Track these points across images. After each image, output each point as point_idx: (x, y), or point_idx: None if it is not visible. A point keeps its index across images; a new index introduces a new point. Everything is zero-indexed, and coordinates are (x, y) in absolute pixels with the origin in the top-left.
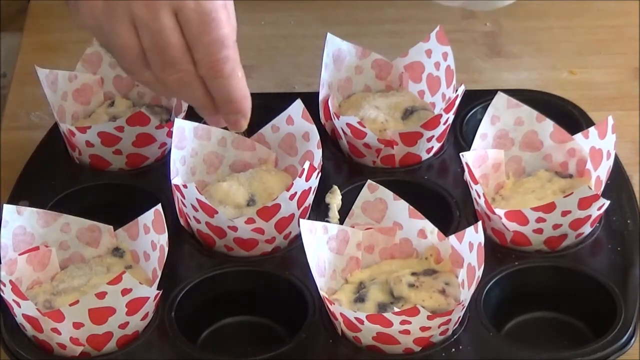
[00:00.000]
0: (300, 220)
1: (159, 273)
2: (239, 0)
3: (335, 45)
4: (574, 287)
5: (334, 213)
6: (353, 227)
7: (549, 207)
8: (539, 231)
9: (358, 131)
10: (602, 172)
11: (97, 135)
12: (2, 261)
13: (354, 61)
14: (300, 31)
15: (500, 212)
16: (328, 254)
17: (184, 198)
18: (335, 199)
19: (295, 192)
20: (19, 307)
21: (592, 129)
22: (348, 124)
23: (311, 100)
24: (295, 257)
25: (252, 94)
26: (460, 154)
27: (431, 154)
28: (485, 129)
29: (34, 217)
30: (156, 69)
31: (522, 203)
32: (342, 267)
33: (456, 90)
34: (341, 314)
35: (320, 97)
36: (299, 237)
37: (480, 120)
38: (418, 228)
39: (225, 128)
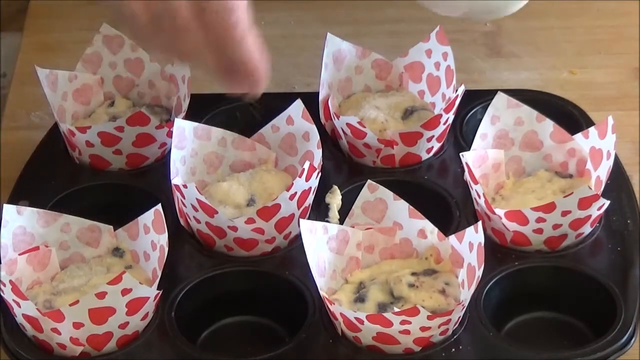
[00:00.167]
0: (300, 220)
1: (159, 273)
2: None
3: (335, 45)
4: (574, 287)
5: (334, 213)
6: (353, 227)
7: (549, 207)
8: (539, 231)
9: (358, 131)
10: (602, 172)
11: (97, 135)
12: (2, 261)
13: (354, 61)
14: (300, 31)
15: (500, 212)
16: (328, 254)
17: (184, 198)
18: (335, 199)
19: (295, 192)
20: (19, 307)
21: (592, 129)
22: (348, 124)
23: (311, 100)
24: (295, 257)
25: None
26: (460, 154)
27: (431, 154)
28: (485, 129)
29: (34, 217)
30: (167, 35)
31: (522, 203)
32: (342, 267)
33: (456, 90)
34: (341, 314)
35: (320, 97)
36: (299, 237)
37: (480, 120)
38: (418, 228)
39: (241, 103)
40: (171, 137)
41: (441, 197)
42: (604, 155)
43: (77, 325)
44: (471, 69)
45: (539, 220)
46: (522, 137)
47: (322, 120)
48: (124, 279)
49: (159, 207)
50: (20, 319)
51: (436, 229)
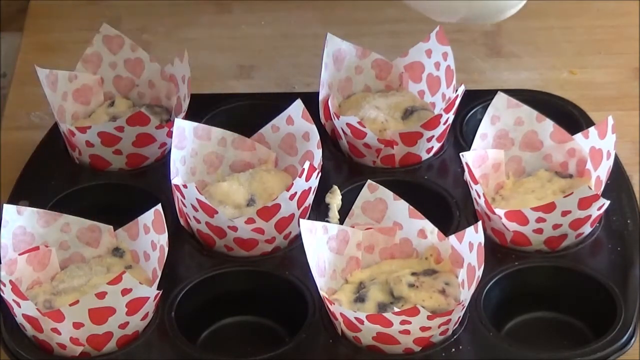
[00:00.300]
0: (300, 220)
1: (159, 273)
2: (239, 0)
3: (335, 45)
4: (574, 287)
5: (334, 213)
6: (353, 227)
7: (549, 207)
8: (539, 231)
9: (358, 131)
10: (602, 172)
11: (97, 135)
12: (2, 261)
13: (354, 61)
14: (300, 31)
15: (500, 212)
16: (328, 254)
17: (184, 198)
18: (335, 199)
19: (295, 192)
20: (19, 307)
21: (592, 129)
22: (348, 124)
23: (311, 100)
24: (295, 257)
25: (252, 94)
26: (460, 154)
27: (431, 154)
28: (485, 129)
29: (34, 217)
30: None
31: (522, 203)
32: (342, 267)
33: (456, 90)
34: (341, 314)
35: (320, 97)
36: (299, 237)
37: (480, 120)
38: (418, 228)
39: None
40: (171, 137)
41: (441, 197)
42: (604, 155)
43: (77, 325)
44: (471, 69)
45: (539, 220)
46: (522, 137)
47: (322, 120)
48: (124, 279)
49: (159, 207)
50: (20, 319)
51: (436, 229)
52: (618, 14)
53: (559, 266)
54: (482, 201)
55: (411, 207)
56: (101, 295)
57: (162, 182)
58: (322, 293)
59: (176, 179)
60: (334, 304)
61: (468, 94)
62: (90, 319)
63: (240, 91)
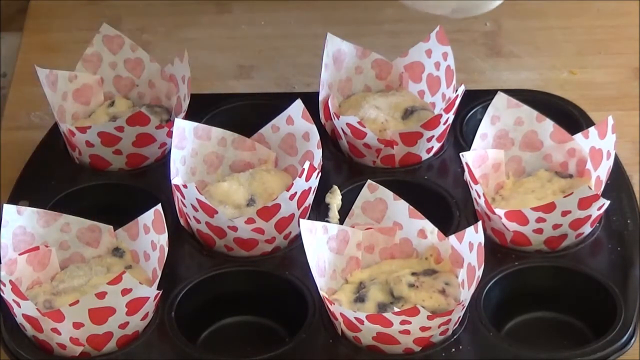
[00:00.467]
0: (300, 220)
1: (159, 273)
2: (239, 0)
3: (335, 45)
4: (574, 287)
5: (334, 213)
6: (353, 227)
7: (549, 207)
8: (539, 231)
9: (358, 131)
10: (602, 172)
11: (97, 135)
12: (2, 261)
13: (354, 61)
14: (300, 31)
15: (500, 212)
16: (328, 254)
17: (184, 198)
18: (335, 199)
19: (295, 192)
20: (19, 307)
21: (592, 129)
22: (348, 124)
23: (311, 100)
24: (295, 257)
25: (252, 94)
26: (460, 154)
27: (431, 154)
28: (485, 129)
29: (34, 217)
30: None
31: (522, 203)
32: (342, 267)
33: (456, 90)
34: (341, 314)
35: (320, 97)
36: (299, 237)
37: (480, 120)
38: (418, 228)
39: None
40: (171, 137)
41: (441, 197)
42: (604, 155)
43: (77, 325)
44: (471, 69)
45: (539, 220)
46: (522, 137)
47: (322, 120)
48: (124, 279)
49: (159, 207)
50: (20, 319)
51: (436, 229)
52: (618, 14)
53: (559, 266)
54: (482, 201)
55: (411, 207)
56: (101, 295)
57: (162, 182)
58: (322, 293)
59: (176, 179)
60: (334, 304)
61: (468, 94)
62: (90, 319)
63: (240, 91)
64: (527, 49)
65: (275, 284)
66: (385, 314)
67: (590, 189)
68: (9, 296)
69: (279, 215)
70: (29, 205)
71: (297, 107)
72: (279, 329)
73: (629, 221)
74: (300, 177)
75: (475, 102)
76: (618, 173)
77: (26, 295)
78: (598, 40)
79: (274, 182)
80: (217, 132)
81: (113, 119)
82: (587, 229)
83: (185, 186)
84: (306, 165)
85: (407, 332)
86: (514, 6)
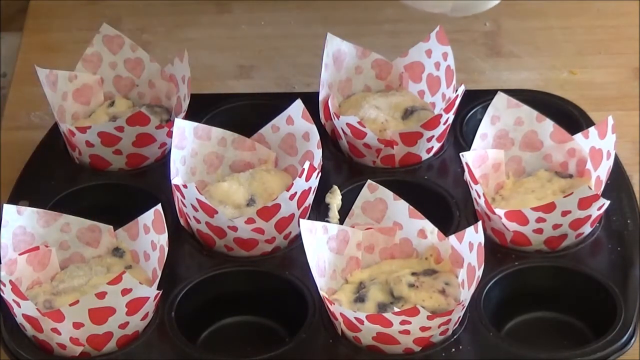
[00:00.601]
0: (300, 220)
1: (159, 273)
2: (239, 0)
3: (335, 45)
4: (574, 287)
5: (334, 213)
6: (353, 227)
7: (549, 207)
8: (539, 231)
9: (358, 131)
10: (602, 172)
11: (97, 135)
12: (2, 261)
13: (354, 61)
14: (300, 31)
15: (500, 212)
16: (328, 254)
17: (184, 198)
18: (335, 199)
19: (295, 192)
20: (19, 307)
21: (592, 129)
22: (348, 124)
23: (311, 100)
24: (295, 257)
25: (252, 94)
26: (460, 154)
27: (431, 154)
28: (485, 129)
29: (34, 217)
30: None
31: (522, 203)
32: (342, 267)
33: (456, 90)
34: (341, 314)
35: (320, 97)
36: (299, 237)
37: (480, 120)
38: (418, 228)
39: None
40: (171, 137)
41: (441, 197)
42: (604, 155)
43: (77, 325)
44: (471, 69)
45: (539, 220)
46: (522, 137)
47: (322, 120)
48: (124, 279)
49: (159, 207)
50: (20, 319)
51: (436, 229)
52: (618, 14)
53: (559, 266)
54: (482, 201)
55: (411, 207)
56: (101, 295)
57: (162, 182)
58: (322, 293)
59: (176, 179)
60: (334, 304)
61: (468, 94)
62: (90, 319)
63: (240, 91)
64: (527, 49)
65: (275, 284)
66: (385, 314)
67: (590, 189)
68: (9, 296)
69: (279, 215)
70: (29, 205)
71: (297, 107)
72: (279, 329)
73: (629, 221)
74: (300, 177)
75: (475, 102)
76: (618, 173)
77: (26, 295)
78: (598, 40)
79: (274, 182)
80: (217, 132)
81: (113, 119)
82: (587, 229)
83: (185, 186)
84: (306, 165)
85: (407, 332)
86: (514, 6)
